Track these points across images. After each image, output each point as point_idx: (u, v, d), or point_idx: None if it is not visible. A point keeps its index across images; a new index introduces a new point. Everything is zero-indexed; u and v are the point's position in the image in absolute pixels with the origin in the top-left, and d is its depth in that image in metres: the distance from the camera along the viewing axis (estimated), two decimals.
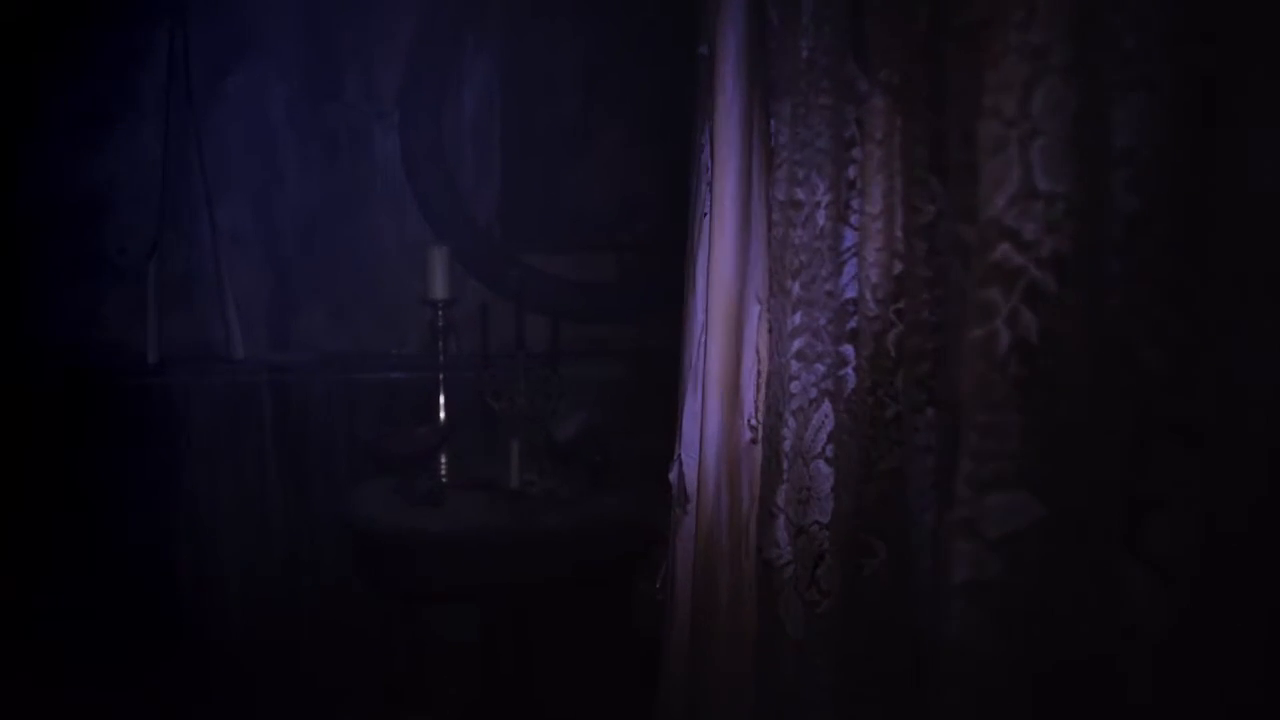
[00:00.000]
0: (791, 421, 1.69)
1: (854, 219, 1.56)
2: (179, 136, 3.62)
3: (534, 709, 3.67)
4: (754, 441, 1.89)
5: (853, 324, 1.58)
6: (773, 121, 1.79)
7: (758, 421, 1.89)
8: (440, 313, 3.62)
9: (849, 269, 1.59)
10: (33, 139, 3.57)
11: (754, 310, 1.86)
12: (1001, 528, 1.13)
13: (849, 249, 1.58)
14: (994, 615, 1.15)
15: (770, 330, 1.81)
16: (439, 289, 3.60)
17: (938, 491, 1.35)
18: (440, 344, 3.65)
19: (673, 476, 2.21)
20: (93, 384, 3.57)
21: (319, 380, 3.79)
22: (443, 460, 3.66)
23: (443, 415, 3.67)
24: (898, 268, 1.49)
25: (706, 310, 1.93)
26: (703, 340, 1.96)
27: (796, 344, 1.68)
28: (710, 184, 1.93)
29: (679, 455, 2.12)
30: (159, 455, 3.72)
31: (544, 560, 3.37)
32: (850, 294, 1.59)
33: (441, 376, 3.67)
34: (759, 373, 1.88)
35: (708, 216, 1.98)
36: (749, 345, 1.86)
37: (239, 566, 3.85)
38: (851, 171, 1.57)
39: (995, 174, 1.14)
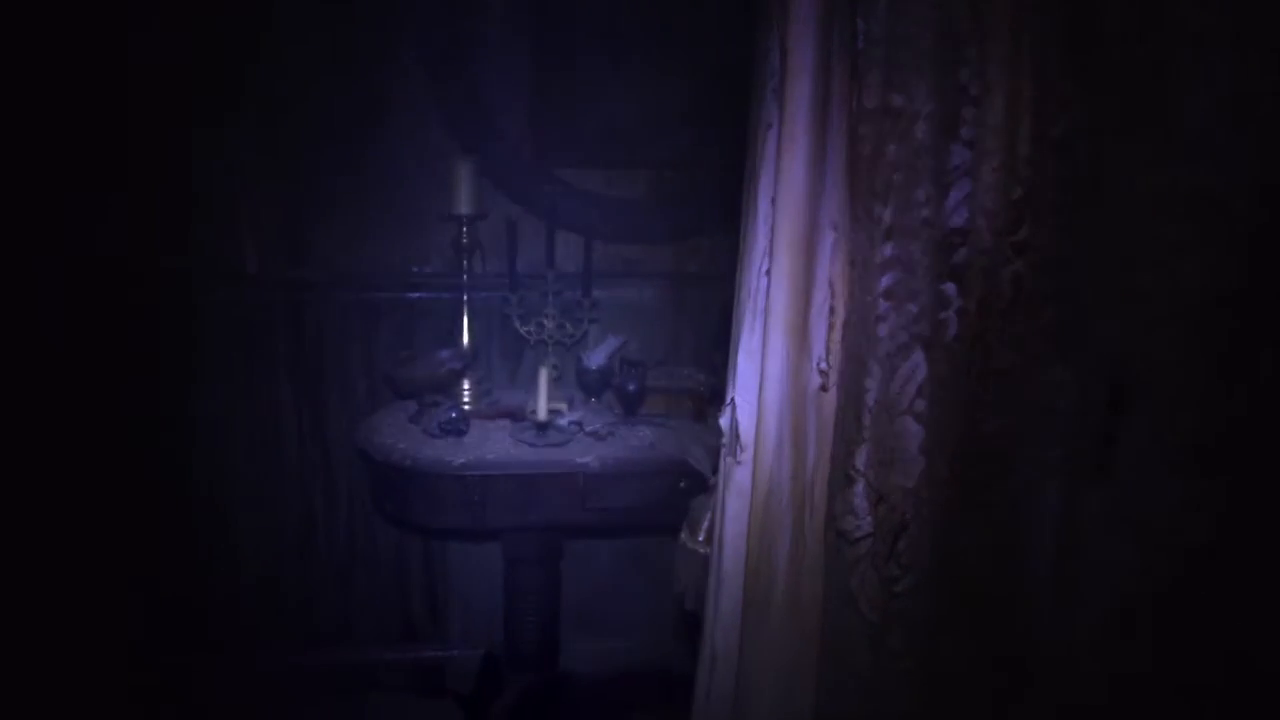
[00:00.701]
0: (876, 370, 1.45)
1: (966, 132, 1.30)
2: None
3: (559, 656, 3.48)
4: (824, 389, 1.65)
5: (959, 258, 1.33)
6: (859, 17, 1.52)
7: (828, 365, 1.64)
8: (465, 229, 3.37)
9: (957, 192, 1.33)
10: None
11: (828, 238, 1.60)
12: (1179, 524, 0.89)
13: (958, 168, 1.32)
14: (1159, 634, 0.92)
15: (852, 263, 1.55)
16: (464, 203, 3.35)
17: (1072, 465, 1.11)
18: (465, 262, 3.41)
19: (724, 421, 1.97)
20: (97, 298, 3.34)
21: (336, 299, 3.55)
22: (465, 387, 3.43)
23: (465, 339, 3.44)
24: (1018, 192, 1.24)
25: (771, 236, 1.67)
26: (764, 268, 1.71)
27: (885, 280, 1.43)
28: (779, 90, 1.67)
29: (732, 398, 1.88)
30: (169, 378, 3.51)
31: (573, 499, 3.15)
32: (957, 221, 1.33)
33: (465, 298, 3.43)
34: (832, 309, 1.63)
35: (774, 129, 1.71)
36: (820, 278, 1.61)
37: (251, 495, 3.65)
38: (964, 74, 1.30)
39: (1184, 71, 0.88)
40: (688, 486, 3.15)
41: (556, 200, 3.49)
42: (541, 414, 3.20)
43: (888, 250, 1.43)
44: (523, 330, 3.44)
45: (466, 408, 3.41)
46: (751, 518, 1.80)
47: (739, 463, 1.88)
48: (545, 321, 3.44)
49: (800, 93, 1.60)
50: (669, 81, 3.54)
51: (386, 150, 3.47)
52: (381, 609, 3.84)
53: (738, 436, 1.85)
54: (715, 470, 3.11)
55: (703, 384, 3.42)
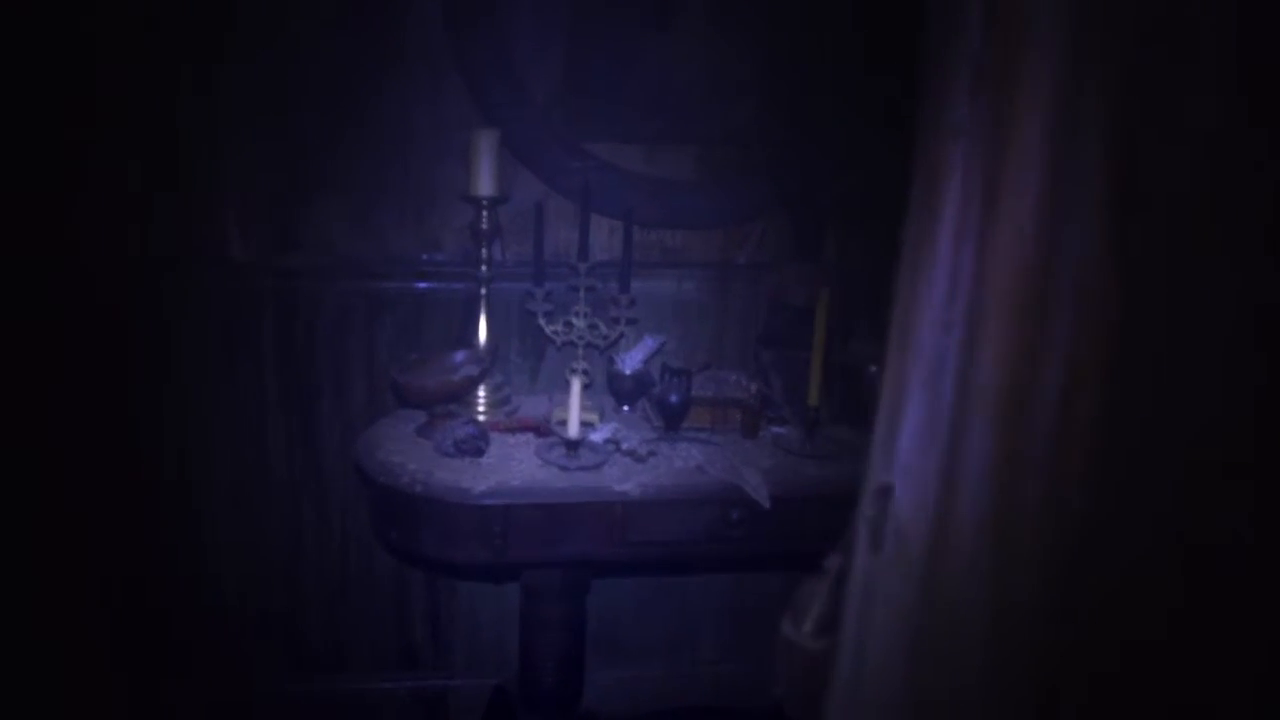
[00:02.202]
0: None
1: None
2: None
3: None
4: (1053, 503, 1.21)
5: None
6: None
7: (1065, 476, 1.20)
8: (485, 212, 2.90)
9: None
10: None
11: (1067, 299, 1.16)
12: None
13: None
14: None
15: (1119, 337, 1.11)
16: (485, 183, 2.88)
17: None
18: (484, 250, 2.94)
19: (866, 507, 1.52)
20: (67, 290, 2.86)
21: (333, 289, 3.08)
22: (480, 394, 2.98)
23: (483, 337, 2.98)
24: None
25: (972, 291, 1.22)
26: (956, 332, 1.26)
27: None
28: (984, 80, 1.21)
29: (886, 484, 1.43)
30: (139, 376, 3.03)
31: (609, 532, 2.71)
32: None
33: (484, 291, 2.96)
34: (1070, 400, 1.19)
35: (966, 140, 1.26)
36: (1055, 354, 1.16)
37: (234, 506, 3.19)
38: None
39: None
40: (740, 517, 2.74)
41: (591, 179, 3.03)
42: (573, 431, 2.75)
43: None
44: (549, 329, 2.99)
45: (482, 417, 2.96)
46: (915, 645, 1.36)
47: (891, 564, 1.44)
48: (575, 320, 2.99)
49: (1034, 86, 1.14)
50: (724, 44, 3.07)
51: (396, 117, 2.99)
52: (378, 633, 3.40)
53: (894, 528, 1.40)
54: (770, 498, 2.72)
55: (754, 394, 2.98)
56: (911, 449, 1.39)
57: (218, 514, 3.18)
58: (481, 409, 2.97)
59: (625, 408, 3.07)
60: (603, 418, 2.99)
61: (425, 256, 3.09)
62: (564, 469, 2.72)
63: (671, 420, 2.92)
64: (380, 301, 3.08)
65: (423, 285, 3.09)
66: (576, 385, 2.72)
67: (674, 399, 2.90)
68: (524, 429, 2.91)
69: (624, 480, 2.69)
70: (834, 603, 1.66)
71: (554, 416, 2.96)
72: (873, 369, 2.78)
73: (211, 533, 3.19)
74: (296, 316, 3.06)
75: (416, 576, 3.35)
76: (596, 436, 2.86)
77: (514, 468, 2.72)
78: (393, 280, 3.08)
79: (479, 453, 2.75)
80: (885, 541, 1.43)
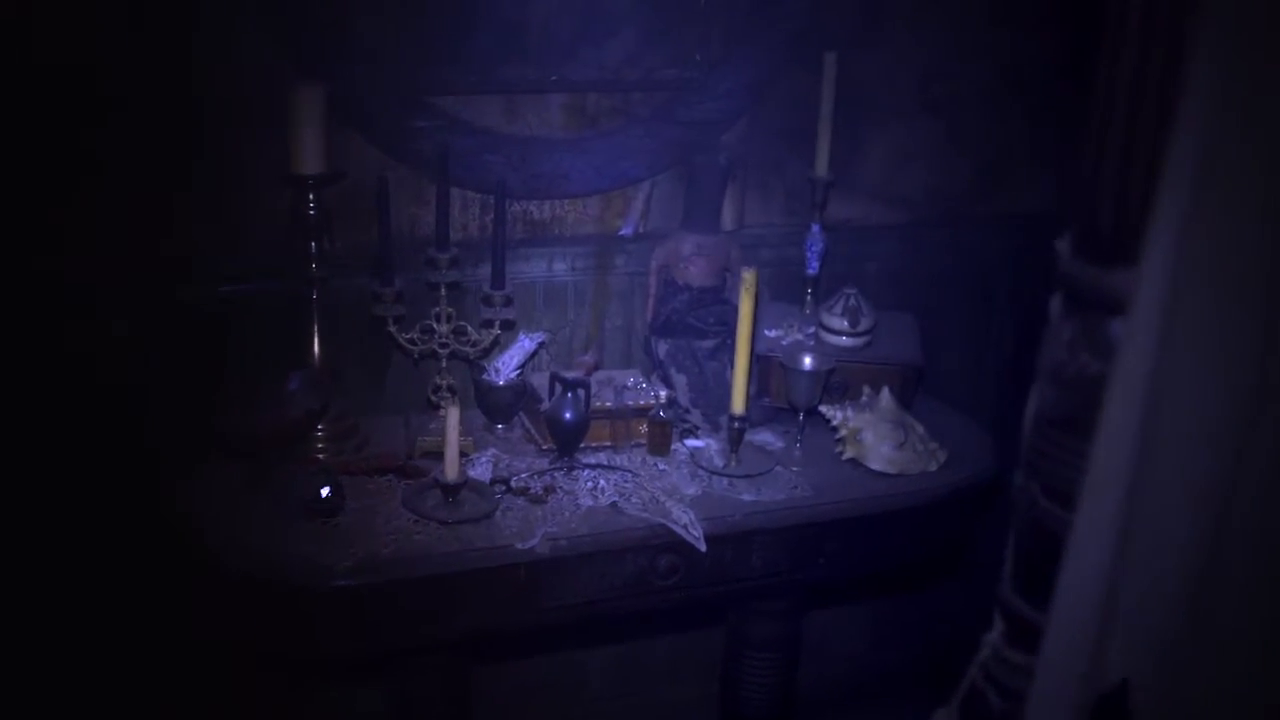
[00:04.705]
0: None
1: None
2: None
3: None
4: None
5: None
6: None
7: None
8: (312, 196, 2.23)
9: None
10: None
11: None
12: None
13: None
14: None
15: None
16: (310, 156, 2.20)
17: None
18: (312, 244, 2.26)
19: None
20: None
21: (101, 305, 2.31)
22: (318, 432, 2.32)
23: (317, 352, 2.31)
24: None
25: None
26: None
27: None
28: None
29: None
30: None
31: (512, 599, 2.14)
32: None
33: (315, 295, 2.29)
34: None
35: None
36: None
37: None
38: None
39: None
40: (671, 564, 2.23)
41: (442, 141, 2.37)
42: (452, 474, 2.15)
43: None
44: (403, 339, 2.34)
45: (321, 457, 2.31)
46: None
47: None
48: (436, 325, 2.35)
49: None
50: None
51: (180, 74, 2.25)
52: None
53: None
54: (704, 537, 2.20)
55: (663, 401, 2.43)
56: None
57: None
58: (320, 446, 2.32)
59: (500, 426, 2.47)
60: (477, 446, 2.38)
61: (229, 255, 2.37)
62: (445, 523, 2.12)
63: (567, 443, 2.35)
64: (176, 316, 2.35)
65: (227, 289, 2.38)
66: (454, 417, 2.11)
67: (569, 417, 2.32)
68: (383, 469, 2.28)
69: (525, 533, 2.14)
70: None
71: (418, 448, 2.34)
72: None
73: None
74: (62, 344, 2.28)
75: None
76: (477, 473, 2.27)
77: (380, 528, 2.11)
78: (186, 286, 2.35)
79: (332, 513, 2.12)
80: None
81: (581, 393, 2.32)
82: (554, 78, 2.49)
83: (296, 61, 2.28)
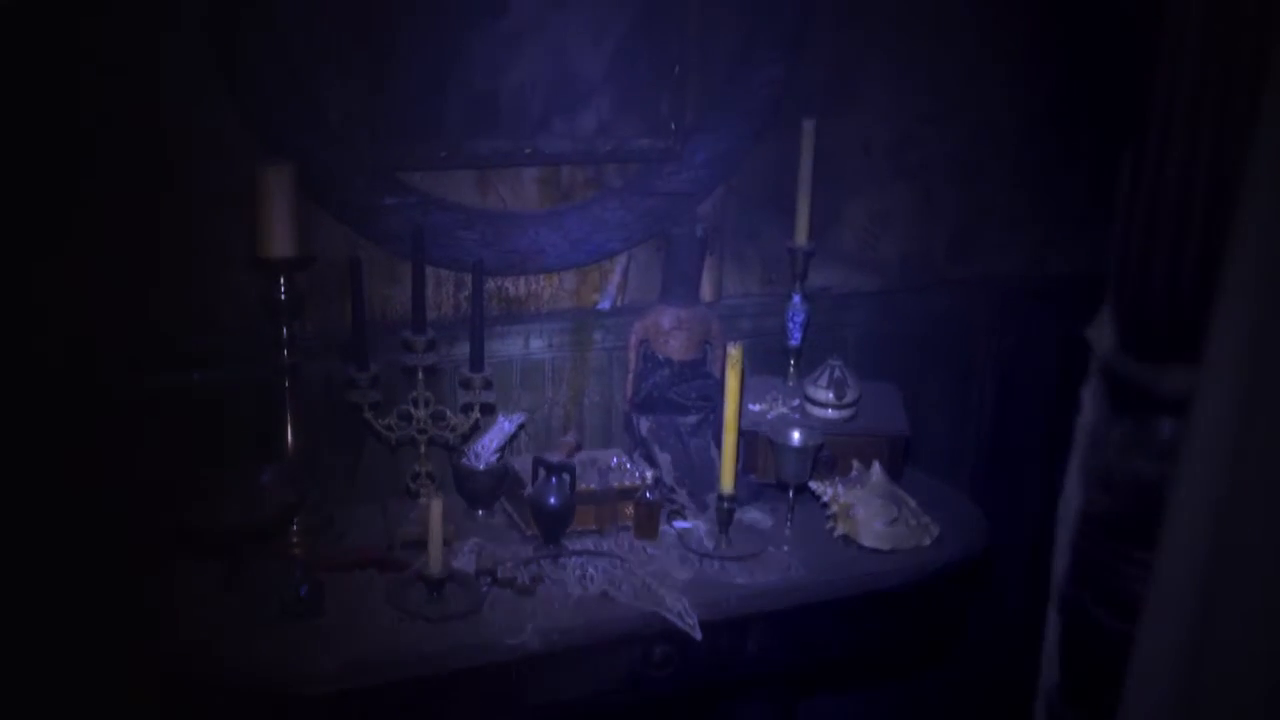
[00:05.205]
0: None
1: None
2: None
3: None
4: None
5: None
6: None
7: None
8: (283, 280, 2.14)
9: None
10: None
11: None
12: None
13: None
14: None
15: None
16: (281, 238, 2.12)
17: None
18: (284, 328, 2.17)
19: None
20: None
21: (71, 392, 2.20)
22: (293, 525, 2.23)
23: (290, 442, 2.22)
24: None
25: None
26: None
27: None
28: None
29: None
30: None
31: (503, 698, 2.05)
32: None
33: (287, 382, 2.20)
34: None
35: None
36: None
37: None
38: None
39: None
40: (666, 654, 2.15)
41: (413, 218, 2.30)
42: (436, 567, 2.06)
43: None
44: (380, 425, 2.26)
45: (296, 552, 2.21)
46: None
47: None
48: (414, 410, 2.27)
49: None
50: (568, 37, 2.41)
51: (150, 149, 2.16)
52: None
53: None
54: (699, 624, 2.12)
55: (650, 482, 2.36)
56: None
57: None
58: (295, 540, 2.22)
59: (480, 511, 2.38)
60: (458, 532, 2.29)
61: (198, 338, 2.27)
62: (431, 621, 2.03)
63: (552, 530, 2.26)
64: (135, 404, 2.25)
65: (197, 376, 2.27)
66: (437, 509, 2.03)
67: (554, 502, 2.24)
68: (363, 563, 2.18)
69: (514, 627, 2.05)
70: None
71: (398, 537, 2.25)
72: None
73: None
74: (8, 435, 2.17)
75: None
76: (461, 563, 2.18)
77: (364, 626, 2.02)
78: (152, 374, 2.25)
79: (313, 615, 2.02)
80: None
81: (567, 477, 2.24)
82: (527, 150, 2.42)
83: (263, 138, 2.20)
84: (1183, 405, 0.99)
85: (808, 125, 2.48)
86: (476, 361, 2.26)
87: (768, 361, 2.66)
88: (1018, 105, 2.86)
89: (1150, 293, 1.04)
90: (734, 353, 2.19)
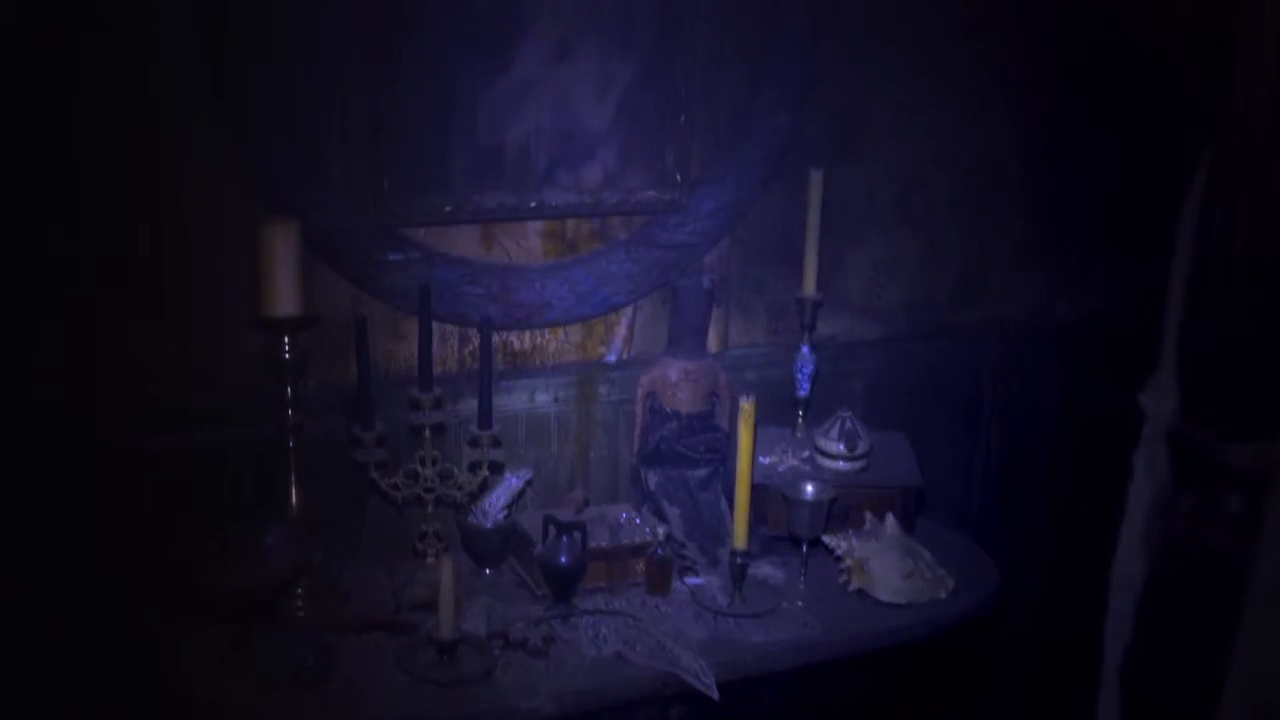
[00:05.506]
0: None
1: None
2: None
3: None
4: None
5: None
6: None
7: None
8: (288, 339, 2.10)
9: None
10: None
11: None
12: None
13: None
14: None
15: None
16: (285, 297, 2.07)
17: None
18: (288, 389, 2.13)
19: None
20: None
21: (72, 453, 2.14)
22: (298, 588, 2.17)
23: (295, 503, 2.17)
24: None
25: None
26: None
27: None
28: None
29: None
30: None
31: None
32: None
33: (292, 443, 2.15)
34: None
35: None
36: None
37: None
38: None
39: None
40: (683, 714, 2.09)
41: (418, 274, 2.27)
42: (448, 630, 2.01)
43: None
44: (386, 485, 2.21)
45: (302, 614, 2.15)
46: None
47: None
48: (421, 469, 2.22)
49: None
50: (574, 89, 2.39)
51: (148, 205, 2.12)
52: None
53: None
54: (716, 684, 2.08)
55: (661, 538, 2.32)
56: None
57: None
58: (300, 601, 2.17)
59: (487, 570, 2.34)
60: (468, 594, 2.24)
61: (202, 396, 2.22)
62: (442, 685, 1.98)
63: (564, 589, 2.22)
64: (139, 464, 2.19)
65: (200, 436, 2.22)
66: (448, 570, 1.98)
67: (565, 561, 2.20)
68: (371, 626, 2.13)
69: (528, 690, 2.01)
70: None
71: (406, 599, 2.20)
72: None
73: None
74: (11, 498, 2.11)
75: None
76: (471, 625, 2.14)
77: (373, 690, 1.97)
78: (151, 434, 2.19)
79: (319, 680, 1.96)
80: None
81: (578, 535, 2.20)
82: (532, 204, 2.39)
83: (264, 195, 2.16)
84: (1258, 482, 0.96)
85: (815, 176, 2.46)
86: (484, 419, 2.22)
87: (775, 413, 2.62)
88: (1019, 143, 2.85)
89: (1228, 368, 1.01)
90: (746, 407, 2.16)
